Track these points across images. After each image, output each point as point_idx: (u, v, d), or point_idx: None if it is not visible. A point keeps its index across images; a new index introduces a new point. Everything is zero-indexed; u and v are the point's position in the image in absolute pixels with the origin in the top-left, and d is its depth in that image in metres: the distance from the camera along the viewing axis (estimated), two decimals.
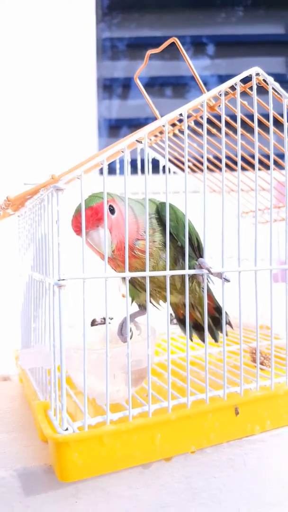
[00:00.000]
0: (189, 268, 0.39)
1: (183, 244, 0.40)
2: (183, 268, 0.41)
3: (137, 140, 0.35)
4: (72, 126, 0.99)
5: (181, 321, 0.49)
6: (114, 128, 1.16)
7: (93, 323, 0.62)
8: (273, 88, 0.39)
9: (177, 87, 1.21)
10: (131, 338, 0.43)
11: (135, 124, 1.16)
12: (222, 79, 1.20)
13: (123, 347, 0.38)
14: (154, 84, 1.19)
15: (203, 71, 1.23)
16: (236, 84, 0.37)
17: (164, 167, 0.64)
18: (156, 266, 0.40)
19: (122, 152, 0.34)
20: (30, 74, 0.95)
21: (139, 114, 1.17)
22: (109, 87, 1.17)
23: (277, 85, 0.39)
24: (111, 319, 0.58)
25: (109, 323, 0.57)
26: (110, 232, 0.37)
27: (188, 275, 0.37)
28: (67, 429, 0.34)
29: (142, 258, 0.39)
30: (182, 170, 0.65)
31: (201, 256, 0.43)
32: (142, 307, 0.45)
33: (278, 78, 0.40)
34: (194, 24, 1.19)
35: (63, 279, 0.33)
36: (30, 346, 0.42)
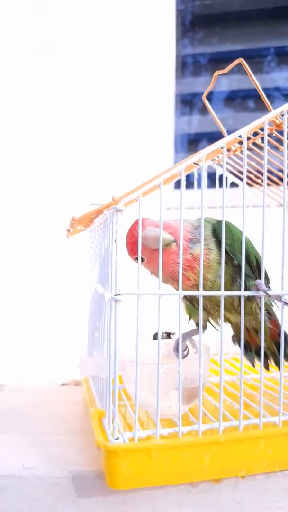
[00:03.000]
0: (247, 288, 0.38)
1: (240, 263, 0.40)
2: (240, 288, 0.40)
3: (194, 163, 0.36)
4: (148, 142, 1.02)
5: (245, 346, 0.48)
6: (193, 142, 1.17)
7: (155, 336, 0.64)
8: None
9: (259, 99, 1.19)
10: (186, 355, 0.44)
11: (215, 137, 1.17)
12: None
13: (176, 364, 0.38)
14: (235, 97, 1.19)
15: (286, 82, 1.20)
16: None
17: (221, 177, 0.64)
18: (214, 283, 0.40)
19: (180, 174, 0.35)
20: (107, 89, 1.00)
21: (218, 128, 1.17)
22: (190, 102, 1.19)
23: None
24: (173, 334, 0.59)
25: (171, 338, 0.57)
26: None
27: (245, 296, 0.37)
28: (117, 439, 0.35)
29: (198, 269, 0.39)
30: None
31: (260, 275, 0.42)
32: (203, 326, 0.45)
33: None
34: (277, 36, 1.17)
35: (119, 294, 0.35)
36: (92, 355, 0.45)
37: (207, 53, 1.20)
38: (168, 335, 0.61)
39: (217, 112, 1.37)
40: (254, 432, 0.37)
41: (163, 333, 0.60)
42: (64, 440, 0.42)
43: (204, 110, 1.20)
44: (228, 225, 0.40)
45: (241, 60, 0.44)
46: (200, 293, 0.36)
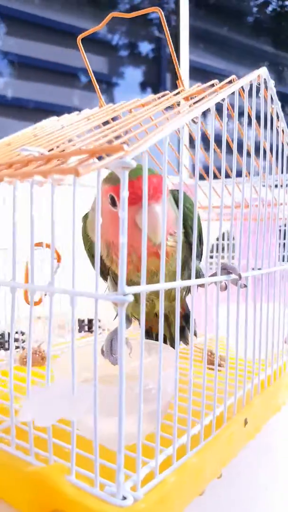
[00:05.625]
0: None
1: (190, 237, 0.36)
2: (190, 271, 0.36)
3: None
4: None
5: (147, 333, 0.43)
6: None
7: None
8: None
9: None
10: None
11: None
12: None
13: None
14: None
15: None
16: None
17: None
18: (169, 271, 0.34)
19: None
20: None
21: None
22: None
23: (274, 90, 0.39)
24: None
25: None
26: None
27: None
28: (125, 498, 0.25)
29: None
30: None
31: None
32: (127, 320, 0.38)
33: None
34: None
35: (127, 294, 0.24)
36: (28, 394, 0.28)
37: None
38: None
39: None
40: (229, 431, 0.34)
41: None
42: None
43: None
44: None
45: (158, 9, 0.39)
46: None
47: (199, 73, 1.75)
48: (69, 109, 0.47)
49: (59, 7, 1.38)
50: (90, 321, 0.64)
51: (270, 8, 2.23)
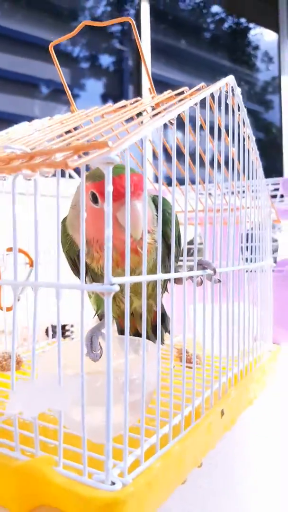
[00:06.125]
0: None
1: (168, 239, 0.37)
2: (167, 270, 0.37)
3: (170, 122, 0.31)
4: None
5: (122, 332, 0.44)
6: None
7: None
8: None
9: None
10: (101, 356, 0.37)
11: None
12: None
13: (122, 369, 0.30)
14: None
15: None
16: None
17: None
18: (147, 266, 0.35)
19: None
20: None
21: None
22: None
23: (241, 98, 0.41)
24: None
25: None
26: None
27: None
28: (113, 484, 0.26)
29: (141, 256, 0.33)
30: None
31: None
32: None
33: None
34: None
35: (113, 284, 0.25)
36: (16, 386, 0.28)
37: None
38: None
39: None
40: (207, 421, 0.36)
41: None
42: None
43: None
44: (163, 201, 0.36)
45: (130, 19, 0.41)
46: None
47: (159, 85, 1.79)
48: (30, 119, 0.48)
49: (21, 17, 1.39)
50: (63, 327, 0.64)
51: (226, 25, 2.33)
